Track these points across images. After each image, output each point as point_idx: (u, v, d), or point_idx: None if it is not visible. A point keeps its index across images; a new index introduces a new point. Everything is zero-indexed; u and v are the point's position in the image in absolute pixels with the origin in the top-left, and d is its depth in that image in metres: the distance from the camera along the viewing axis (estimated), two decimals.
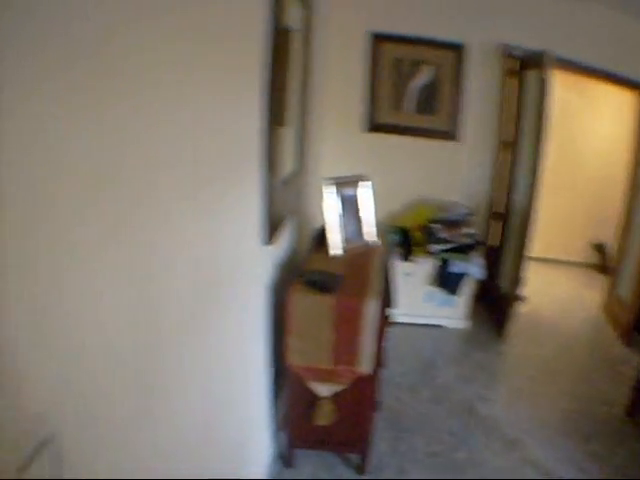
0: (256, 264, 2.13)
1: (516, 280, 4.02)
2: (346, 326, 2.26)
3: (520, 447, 2.90)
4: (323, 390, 2.40)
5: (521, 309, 4.39)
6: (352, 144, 4.29)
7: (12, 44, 0.64)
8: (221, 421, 1.81)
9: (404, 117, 4.28)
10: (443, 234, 3.96)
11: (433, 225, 4.02)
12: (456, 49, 4.12)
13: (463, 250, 3.96)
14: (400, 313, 3.65)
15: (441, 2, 4.04)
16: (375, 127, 4.28)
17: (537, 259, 5.49)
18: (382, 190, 3.12)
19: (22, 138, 0.68)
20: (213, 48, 1.38)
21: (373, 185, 2.81)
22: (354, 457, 2.69)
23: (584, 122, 5.71)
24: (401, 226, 4.16)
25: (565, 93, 5.21)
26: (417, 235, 4.08)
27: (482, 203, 4.47)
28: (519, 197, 4.10)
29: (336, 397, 2.43)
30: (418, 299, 4.09)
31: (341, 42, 4.03)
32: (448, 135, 4.31)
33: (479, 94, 4.20)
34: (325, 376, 2.36)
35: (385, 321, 2.45)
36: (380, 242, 2.86)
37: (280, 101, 2.21)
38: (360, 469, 2.64)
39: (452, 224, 4.03)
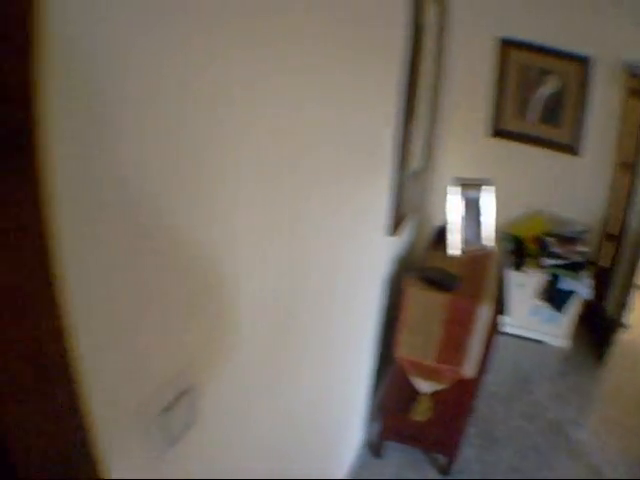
0: (378, 253, 2.18)
1: (622, 305, 3.86)
2: (457, 326, 2.26)
3: (602, 477, 2.80)
4: (424, 386, 2.42)
5: (624, 336, 4.20)
6: (473, 147, 4.24)
7: None
8: (324, 400, 1.88)
9: (527, 125, 4.17)
10: (556, 249, 3.85)
11: (547, 238, 3.92)
12: (582, 62, 3.97)
13: (574, 268, 3.84)
14: (503, 322, 3.60)
15: (572, 13, 3.90)
16: (497, 133, 4.21)
17: None
18: (498, 196, 3.09)
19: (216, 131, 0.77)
20: (355, 45, 1.42)
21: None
22: (440, 457, 2.70)
23: None
24: (515, 235, 4.09)
25: None
26: (531, 246, 4.00)
27: (596, 222, 4.30)
28: (635, 221, 3.92)
29: (435, 395, 2.45)
30: (523, 311, 4.00)
31: (467, 43, 3.98)
32: (570, 149, 4.17)
33: (600, 111, 4.03)
34: (428, 373, 2.38)
35: (495, 327, 2.43)
36: (497, 248, 2.83)
37: (412, 98, 2.23)
38: (444, 470, 2.64)
39: (566, 240, 3.92)
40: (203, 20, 0.71)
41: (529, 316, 4.04)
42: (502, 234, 3.79)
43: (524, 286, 3.94)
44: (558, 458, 2.91)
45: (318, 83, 1.18)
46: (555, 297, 3.85)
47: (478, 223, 2.73)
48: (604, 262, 4.34)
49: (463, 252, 2.63)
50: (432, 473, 2.66)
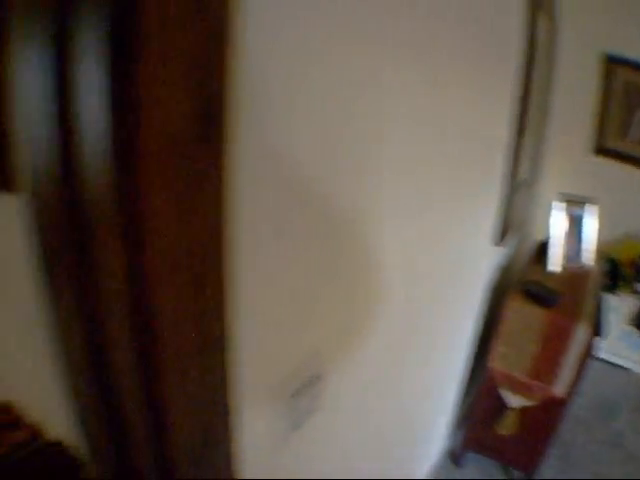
0: (482, 262, 2.18)
1: None
2: (553, 343, 2.24)
3: None
4: (513, 400, 2.41)
5: None
6: (574, 164, 4.14)
7: None
8: (418, 402, 1.90)
9: (630, 145, 4.05)
10: None
11: None
12: None
13: None
14: (598, 345, 3.51)
15: None
16: (600, 151, 4.09)
17: None
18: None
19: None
20: (470, 57, 1.42)
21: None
22: (517, 473, 2.67)
23: None
24: (612, 257, 3.97)
25: None
26: (626, 270, 3.87)
27: None
28: None
29: (522, 411, 2.42)
30: (613, 335, 3.89)
31: (573, 59, 3.90)
32: None
33: None
34: (519, 387, 2.36)
35: (589, 349, 2.38)
36: (597, 267, 2.77)
37: (524, 113, 2.22)
38: None
39: None
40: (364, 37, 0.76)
41: (618, 341, 3.91)
42: (599, 254, 3.69)
43: (615, 310, 3.82)
44: None
45: (439, 96, 1.21)
46: None
47: (580, 241, 2.68)
48: None
49: (563, 269, 2.59)
50: None
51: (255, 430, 0.78)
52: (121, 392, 0.53)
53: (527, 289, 2.28)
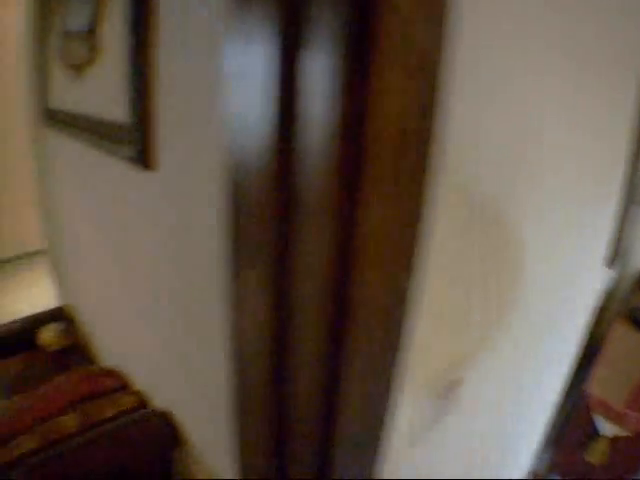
0: (591, 283, 2.11)
1: None
2: None
3: None
4: (607, 429, 2.32)
5: None
6: None
7: None
8: (512, 416, 1.87)
9: None
10: None
11: None
12: None
13: None
14: None
15: None
16: None
17: None
18: None
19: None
20: (596, 66, 1.37)
21: None
22: None
23: None
24: None
25: None
26: None
27: None
28: None
29: (614, 441, 2.33)
30: None
31: None
32: None
33: None
34: (614, 416, 2.28)
35: None
36: None
37: None
38: None
39: None
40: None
41: None
42: None
43: None
44: None
45: (566, 105, 1.18)
46: None
47: None
48: None
49: None
50: None
51: (398, 424, 0.80)
52: (301, 378, 0.55)
53: (634, 315, 2.19)
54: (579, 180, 1.51)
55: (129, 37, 1.34)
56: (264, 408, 0.58)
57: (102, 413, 1.87)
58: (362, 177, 0.43)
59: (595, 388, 2.26)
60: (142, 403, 1.93)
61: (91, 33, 1.71)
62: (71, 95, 2.03)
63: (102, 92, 1.67)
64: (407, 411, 0.78)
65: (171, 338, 1.62)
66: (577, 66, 1.18)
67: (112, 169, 1.68)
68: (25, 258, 5.13)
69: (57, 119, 2.30)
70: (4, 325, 2.73)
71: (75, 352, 2.55)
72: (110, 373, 2.14)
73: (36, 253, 5.04)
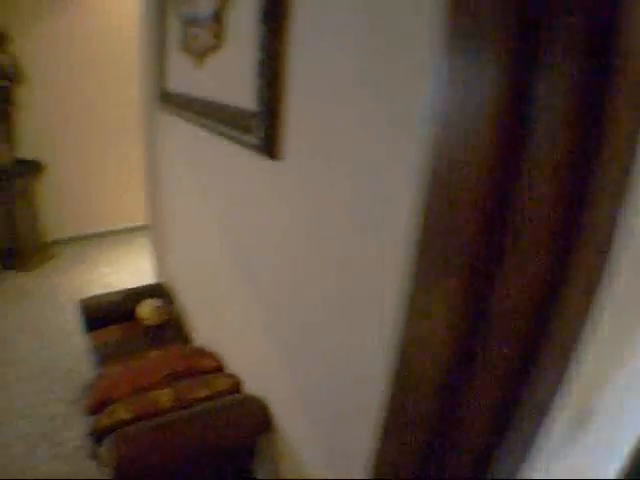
0: None
1: None
2: None
3: None
4: None
5: None
6: None
7: None
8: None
9: None
10: None
11: None
12: None
13: None
14: None
15: None
16: None
17: None
18: None
19: None
20: None
21: None
22: None
23: None
24: None
25: None
26: None
27: None
28: None
29: None
30: None
31: None
32: None
33: None
34: None
35: None
36: None
37: None
38: None
39: None
40: None
41: None
42: None
43: None
44: None
45: None
46: None
47: None
48: None
49: None
50: None
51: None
52: (484, 390, 0.53)
53: None
54: None
55: (261, 25, 1.34)
56: (428, 419, 0.56)
57: (196, 392, 1.91)
58: (589, 197, 0.40)
59: None
60: (236, 386, 1.97)
61: (216, 20, 1.73)
62: (192, 80, 2.08)
63: (227, 78, 1.70)
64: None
65: (278, 329, 1.63)
66: None
67: (232, 154, 1.70)
68: (128, 232, 5.39)
69: (174, 102, 2.37)
70: (107, 295, 2.86)
71: (170, 328, 2.63)
72: (206, 354, 2.20)
73: (139, 228, 5.29)
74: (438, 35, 0.62)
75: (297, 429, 1.59)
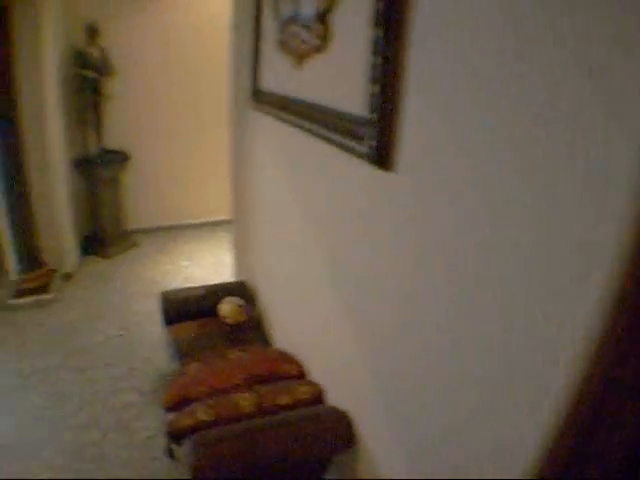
0: None
1: None
2: None
3: None
4: None
5: None
6: None
7: None
8: None
9: None
10: None
11: None
12: None
13: None
14: None
15: None
16: None
17: None
18: None
19: None
20: None
21: None
22: None
23: None
24: None
25: None
26: None
27: None
28: None
29: None
30: None
31: None
32: None
33: None
34: None
35: None
36: None
37: None
38: None
39: None
40: None
41: None
42: None
43: None
44: None
45: None
46: None
47: None
48: None
49: None
50: None
51: None
52: None
53: None
54: None
55: (375, 27, 1.28)
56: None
57: (278, 398, 1.88)
58: None
59: None
60: (318, 396, 1.92)
61: (321, 21, 1.68)
62: (290, 80, 2.04)
63: (332, 81, 1.65)
64: None
65: (366, 340, 1.57)
66: None
67: (336, 159, 1.64)
68: (209, 226, 5.45)
69: (268, 101, 2.34)
70: (188, 289, 2.88)
71: (249, 328, 2.62)
72: (288, 359, 2.16)
73: (219, 223, 5.36)
74: None
75: (383, 447, 1.53)
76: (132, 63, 4.65)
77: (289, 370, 2.08)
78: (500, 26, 0.89)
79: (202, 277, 4.35)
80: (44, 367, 3.11)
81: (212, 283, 3.02)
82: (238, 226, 3.38)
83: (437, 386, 1.19)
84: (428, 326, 1.20)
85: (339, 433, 1.70)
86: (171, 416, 1.90)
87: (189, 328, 2.58)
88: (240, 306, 2.59)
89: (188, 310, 2.69)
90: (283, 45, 2.08)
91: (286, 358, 2.16)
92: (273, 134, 2.39)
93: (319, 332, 1.96)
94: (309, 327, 2.08)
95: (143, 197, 5.11)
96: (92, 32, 4.25)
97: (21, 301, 3.77)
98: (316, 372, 2.04)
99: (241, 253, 3.40)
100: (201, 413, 1.83)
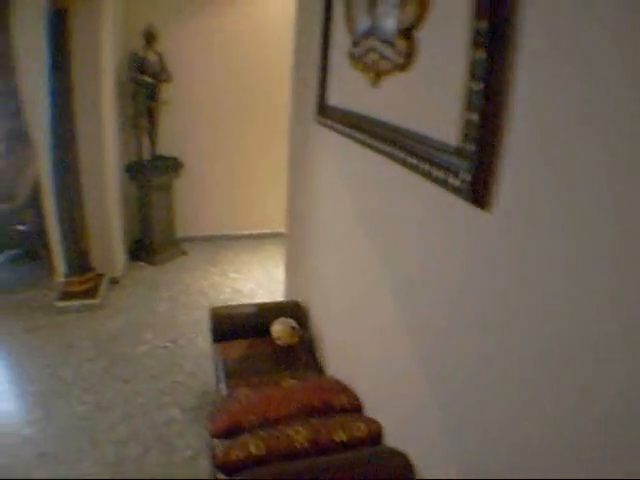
0: None
1: None
2: None
3: None
4: None
5: None
6: None
7: None
8: None
9: None
10: None
11: None
12: None
13: None
14: None
15: None
16: None
17: None
18: None
19: None
20: None
21: None
22: None
23: None
24: None
25: None
26: None
27: None
28: None
29: None
30: None
31: None
32: None
33: None
34: None
35: None
36: None
37: None
38: None
39: None
40: None
41: None
42: None
43: None
44: None
45: None
46: None
47: None
48: None
49: None
50: None
51: None
52: None
53: None
54: None
55: (477, 48, 1.16)
56: None
57: (333, 434, 1.76)
58: None
59: None
60: (376, 434, 1.79)
61: (406, 37, 1.56)
62: (365, 98, 1.93)
63: (417, 104, 1.53)
64: None
65: (441, 390, 1.44)
66: None
67: (418, 189, 1.51)
68: (258, 238, 5.39)
69: (336, 118, 2.24)
70: (238, 306, 2.81)
71: (301, 352, 2.51)
72: (344, 390, 2.04)
73: (268, 236, 5.32)
74: None
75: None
76: (187, 69, 4.64)
77: (345, 403, 1.96)
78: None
79: (250, 291, 4.28)
80: (88, 374, 3.08)
81: (264, 301, 2.94)
82: (292, 244, 3.28)
83: (515, 443, 1.07)
84: (509, 382, 1.09)
85: (401, 476, 1.57)
86: (218, 443, 1.81)
87: (238, 347, 2.49)
88: (293, 328, 2.49)
89: (238, 327, 2.61)
90: (357, 59, 1.98)
91: (341, 389, 2.04)
92: (339, 152, 2.29)
93: (384, 370, 1.83)
94: (371, 362, 1.95)
95: (193, 205, 5.08)
96: (150, 37, 4.25)
97: (67, 304, 3.76)
98: (373, 407, 1.92)
99: (293, 272, 3.30)
100: (252, 446, 1.73)
